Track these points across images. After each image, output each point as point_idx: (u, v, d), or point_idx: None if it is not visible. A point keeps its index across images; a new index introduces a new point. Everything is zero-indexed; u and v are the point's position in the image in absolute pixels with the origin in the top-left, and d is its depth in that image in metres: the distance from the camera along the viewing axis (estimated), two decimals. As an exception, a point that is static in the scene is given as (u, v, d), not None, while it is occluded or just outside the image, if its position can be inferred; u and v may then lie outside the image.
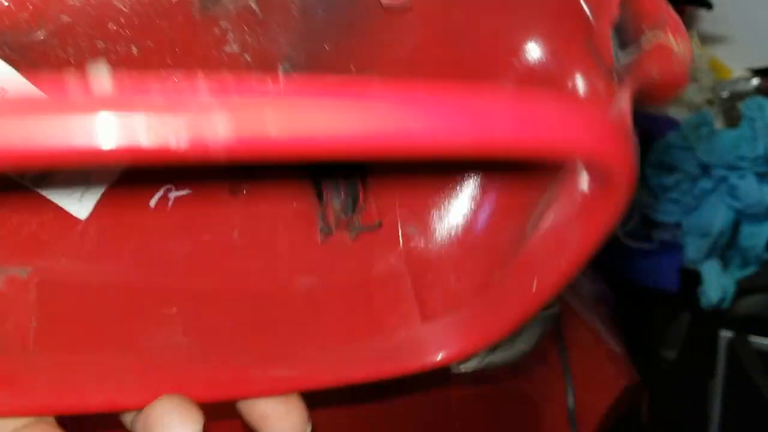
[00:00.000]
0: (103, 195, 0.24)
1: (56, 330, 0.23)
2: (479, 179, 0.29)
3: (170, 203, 0.26)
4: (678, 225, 1.68)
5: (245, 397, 0.25)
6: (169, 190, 0.25)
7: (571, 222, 0.23)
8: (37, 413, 0.21)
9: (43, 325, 0.23)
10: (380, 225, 0.30)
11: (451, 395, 0.60)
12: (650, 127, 1.74)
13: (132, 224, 0.25)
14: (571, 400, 0.74)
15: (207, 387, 0.24)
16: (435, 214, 0.29)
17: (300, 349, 0.27)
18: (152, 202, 0.25)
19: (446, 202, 0.29)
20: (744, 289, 1.60)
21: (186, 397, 0.23)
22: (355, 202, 0.29)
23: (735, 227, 1.61)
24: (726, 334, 1.29)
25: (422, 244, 0.29)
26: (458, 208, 0.29)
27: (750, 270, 1.64)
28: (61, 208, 0.23)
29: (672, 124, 1.72)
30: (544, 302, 0.25)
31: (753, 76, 1.77)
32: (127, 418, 0.24)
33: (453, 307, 0.29)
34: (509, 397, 0.70)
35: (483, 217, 0.29)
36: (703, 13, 1.88)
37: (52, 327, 0.23)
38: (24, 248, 0.23)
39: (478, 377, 0.63)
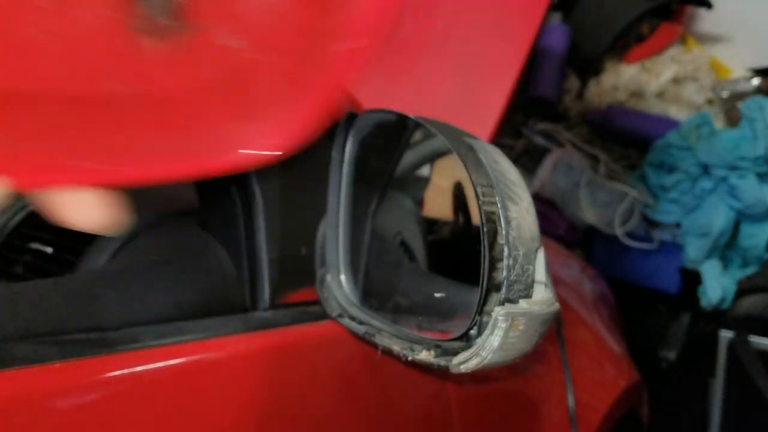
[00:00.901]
0: None
1: None
2: None
3: None
4: (678, 225, 1.68)
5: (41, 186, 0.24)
6: None
7: None
8: None
9: None
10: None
11: (450, 395, 0.60)
12: (650, 128, 1.75)
13: None
14: (571, 400, 0.74)
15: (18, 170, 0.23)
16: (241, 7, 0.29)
17: (116, 149, 0.26)
18: None
19: None
20: (744, 289, 1.60)
21: None
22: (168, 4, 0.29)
23: (735, 227, 1.61)
24: (726, 334, 1.29)
25: (244, 43, 0.29)
26: None
27: (750, 270, 1.63)
28: None
29: (672, 124, 1.72)
30: None
31: (753, 76, 1.77)
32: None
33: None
34: (509, 397, 0.70)
35: None
36: (703, 13, 1.88)
37: None
38: None
39: (478, 377, 0.63)
